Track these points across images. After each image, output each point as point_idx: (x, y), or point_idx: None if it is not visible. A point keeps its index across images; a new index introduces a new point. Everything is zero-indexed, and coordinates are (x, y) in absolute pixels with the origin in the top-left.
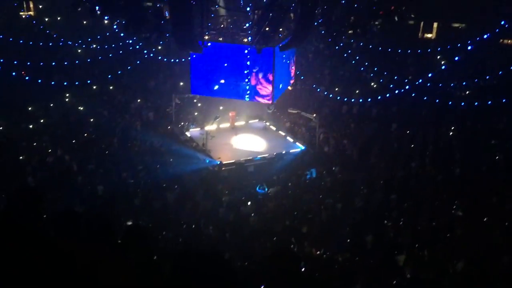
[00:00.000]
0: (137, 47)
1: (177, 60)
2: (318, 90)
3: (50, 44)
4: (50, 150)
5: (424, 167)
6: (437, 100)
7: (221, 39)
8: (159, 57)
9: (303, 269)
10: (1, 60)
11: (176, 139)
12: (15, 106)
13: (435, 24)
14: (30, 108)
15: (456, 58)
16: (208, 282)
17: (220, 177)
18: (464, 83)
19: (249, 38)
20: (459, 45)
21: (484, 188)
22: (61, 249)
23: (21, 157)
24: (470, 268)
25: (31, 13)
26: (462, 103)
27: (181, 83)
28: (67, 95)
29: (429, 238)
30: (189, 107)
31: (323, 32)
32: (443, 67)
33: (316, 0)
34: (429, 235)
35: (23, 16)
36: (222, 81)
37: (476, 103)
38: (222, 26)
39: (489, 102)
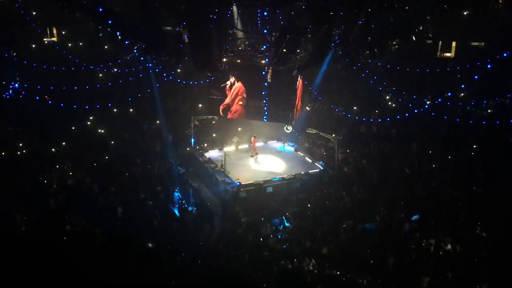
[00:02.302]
0: (157, 70)
1: (195, 83)
2: (337, 110)
3: (73, 68)
4: (71, 173)
5: (445, 187)
6: (457, 119)
7: (239, 61)
8: (178, 80)
9: None
10: (25, 85)
11: (195, 160)
12: (38, 129)
13: (454, 43)
14: (52, 132)
15: (476, 77)
16: None
17: (239, 198)
18: (484, 102)
19: (267, 60)
20: (478, 63)
21: (508, 208)
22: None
23: (44, 180)
24: None
25: (54, 39)
26: (483, 122)
27: (200, 105)
28: (89, 118)
29: (452, 260)
30: (207, 129)
31: (340, 52)
32: (462, 86)
33: (333, 21)
34: (452, 257)
35: (46, 42)
36: (241, 103)
37: (497, 122)
38: (240, 48)
39: (511, 121)
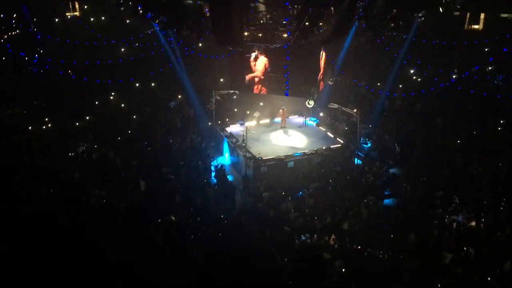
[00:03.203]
0: (178, 44)
1: (217, 57)
2: (359, 84)
3: (95, 43)
4: (95, 147)
5: (470, 163)
6: (485, 94)
7: (260, 34)
8: (199, 54)
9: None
10: (49, 60)
11: (217, 135)
12: (62, 104)
13: (482, 15)
14: (76, 106)
15: (505, 50)
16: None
17: (260, 173)
18: None
19: (289, 33)
20: (507, 36)
21: None
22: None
23: (69, 154)
24: None
25: (77, 13)
26: (511, 96)
27: (221, 80)
28: (112, 93)
29: (476, 237)
30: (228, 104)
31: (364, 25)
32: (490, 59)
33: None
34: (476, 234)
35: (69, 17)
36: (262, 77)
37: None
38: (261, 22)
39: None
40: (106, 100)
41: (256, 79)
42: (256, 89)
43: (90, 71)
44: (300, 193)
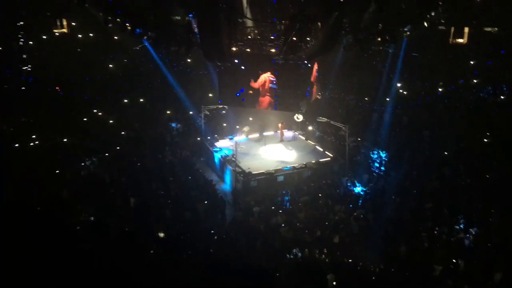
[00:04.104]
0: (167, 60)
1: (205, 72)
2: (347, 98)
3: (83, 60)
4: (83, 164)
5: (458, 175)
6: (470, 106)
7: (248, 50)
8: (188, 70)
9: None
10: (36, 77)
11: (206, 150)
12: (50, 120)
13: (466, 29)
14: (64, 123)
15: (489, 63)
16: None
17: (250, 188)
18: (497, 88)
19: (276, 48)
20: (491, 49)
21: None
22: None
23: (57, 171)
24: (508, 280)
25: (65, 30)
26: (496, 109)
27: (210, 95)
28: (100, 109)
29: (465, 248)
30: (218, 118)
31: (351, 40)
32: (475, 72)
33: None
34: (465, 245)
35: (57, 33)
36: (250, 91)
37: (510, 109)
38: (249, 37)
39: None
40: (95, 116)
41: (262, 97)
42: (261, 104)
43: (78, 87)
44: (286, 198)
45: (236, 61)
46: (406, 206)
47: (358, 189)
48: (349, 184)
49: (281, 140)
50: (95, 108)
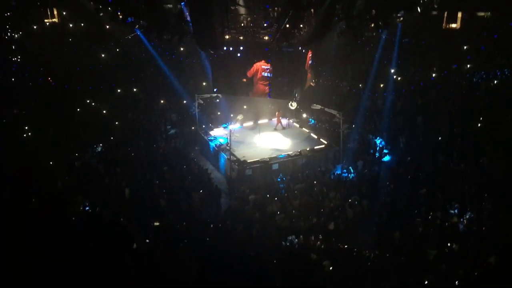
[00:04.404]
0: (159, 49)
1: (199, 61)
2: (341, 85)
3: (75, 50)
4: (77, 154)
5: (452, 160)
6: (464, 92)
7: (241, 37)
8: (181, 58)
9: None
10: (28, 68)
11: (201, 139)
12: (43, 112)
13: (459, 14)
14: (57, 114)
15: (482, 48)
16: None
17: (245, 176)
18: (491, 73)
19: (270, 36)
20: (484, 34)
21: None
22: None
23: (51, 162)
24: (502, 262)
25: (55, 19)
26: (490, 94)
27: (204, 83)
28: (93, 99)
29: (459, 233)
30: (212, 107)
31: (344, 26)
32: (468, 57)
33: None
34: (459, 230)
35: (48, 23)
36: (244, 80)
37: (504, 93)
38: (242, 24)
39: None
40: (88, 107)
41: (256, 85)
42: (255, 93)
43: (70, 78)
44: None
45: (231, 48)
46: (400, 192)
47: (352, 175)
48: (343, 171)
49: (282, 128)
50: (88, 99)
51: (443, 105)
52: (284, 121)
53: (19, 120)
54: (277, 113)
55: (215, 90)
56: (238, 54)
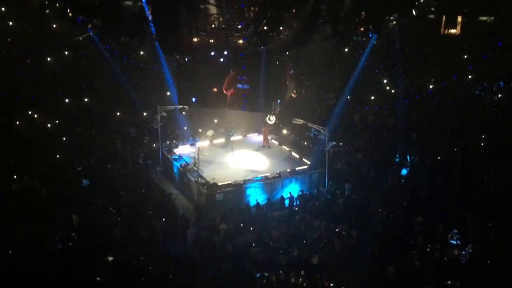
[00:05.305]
0: (116, 53)
1: (162, 67)
2: (327, 97)
3: (15, 52)
4: (16, 176)
5: (451, 184)
6: (464, 106)
7: (212, 41)
8: (141, 64)
9: None
10: None
11: (163, 158)
12: None
13: (459, 18)
14: None
15: (485, 56)
16: None
17: (215, 202)
18: (494, 85)
19: (245, 39)
20: (487, 41)
21: None
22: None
23: None
24: None
25: None
26: (493, 108)
27: (167, 93)
28: (36, 110)
29: (461, 267)
30: (177, 121)
31: (330, 30)
32: (469, 67)
33: None
34: (461, 264)
35: None
36: (215, 89)
37: (509, 108)
38: (213, 26)
39: None
40: (29, 120)
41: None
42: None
43: (9, 86)
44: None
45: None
46: (394, 220)
47: (340, 201)
48: (329, 196)
49: (267, 146)
50: (30, 110)
51: (441, 121)
52: (260, 138)
53: None
54: (263, 128)
55: (180, 101)
56: (209, 60)
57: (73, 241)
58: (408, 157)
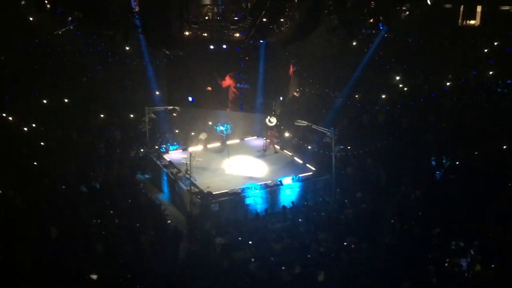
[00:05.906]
0: (99, 48)
1: (150, 64)
2: (333, 96)
3: None
4: None
5: (472, 191)
6: (485, 105)
7: (205, 34)
8: (127, 60)
9: None
10: None
11: (152, 164)
12: None
13: (479, 8)
14: None
15: (508, 50)
16: None
17: (210, 213)
18: None
19: (242, 32)
20: (510, 33)
21: None
22: None
23: None
24: None
25: None
26: None
27: (157, 93)
28: (9, 112)
29: (482, 284)
30: (166, 123)
31: (336, 21)
32: (490, 61)
33: None
34: (482, 279)
35: None
36: (209, 88)
37: None
38: (206, 18)
39: None
40: (3, 122)
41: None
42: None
43: None
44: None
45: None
46: (409, 232)
47: (348, 211)
48: (336, 205)
49: (275, 151)
50: (3, 111)
51: (459, 122)
52: (260, 142)
53: None
54: (269, 132)
55: (172, 101)
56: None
57: (50, 256)
58: (432, 162)
